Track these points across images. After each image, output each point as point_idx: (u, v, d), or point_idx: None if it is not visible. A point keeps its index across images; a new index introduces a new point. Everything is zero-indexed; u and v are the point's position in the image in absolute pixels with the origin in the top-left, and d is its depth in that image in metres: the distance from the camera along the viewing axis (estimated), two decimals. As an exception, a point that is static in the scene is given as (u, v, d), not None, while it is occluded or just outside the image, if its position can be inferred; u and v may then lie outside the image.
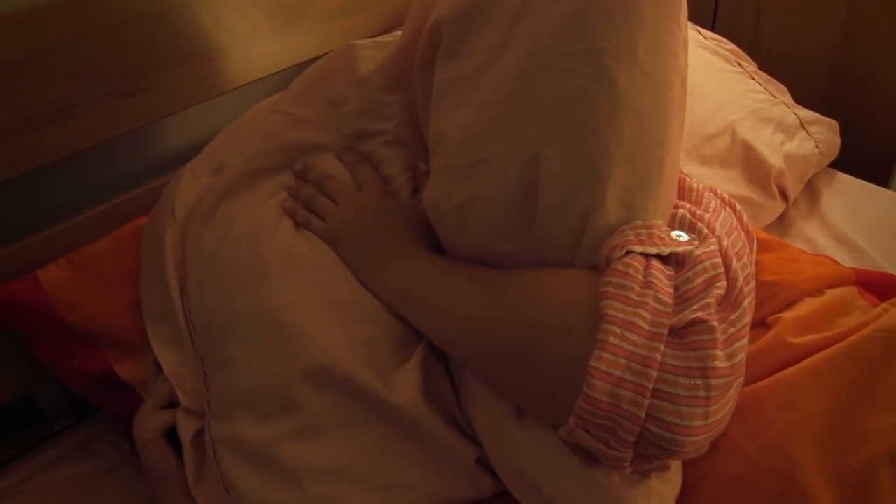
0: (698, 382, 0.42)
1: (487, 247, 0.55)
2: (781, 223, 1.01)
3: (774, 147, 0.99)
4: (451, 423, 0.60)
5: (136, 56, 0.75)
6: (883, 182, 1.07)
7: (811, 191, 1.06)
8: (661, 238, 0.48)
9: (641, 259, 0.46)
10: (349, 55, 0.73)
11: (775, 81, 1.10)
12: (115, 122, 0.77)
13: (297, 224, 0.69)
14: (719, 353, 0.43)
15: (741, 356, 0.45)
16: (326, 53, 0.76)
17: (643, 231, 0.48)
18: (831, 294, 0.65)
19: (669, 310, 0.44)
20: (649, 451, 0.45)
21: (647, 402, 0.42)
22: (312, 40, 0.91)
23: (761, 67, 1.11)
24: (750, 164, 0.97)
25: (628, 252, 0.46)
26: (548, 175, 0.49)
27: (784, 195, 0.99)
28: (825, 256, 0.74)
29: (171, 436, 0.68)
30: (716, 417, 0.43)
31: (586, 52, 0.48)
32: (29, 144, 0.71)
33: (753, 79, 1.08)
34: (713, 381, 0.42)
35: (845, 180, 1.08)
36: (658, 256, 0.47)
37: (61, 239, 0.78)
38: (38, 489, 0.79)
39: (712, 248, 0.48)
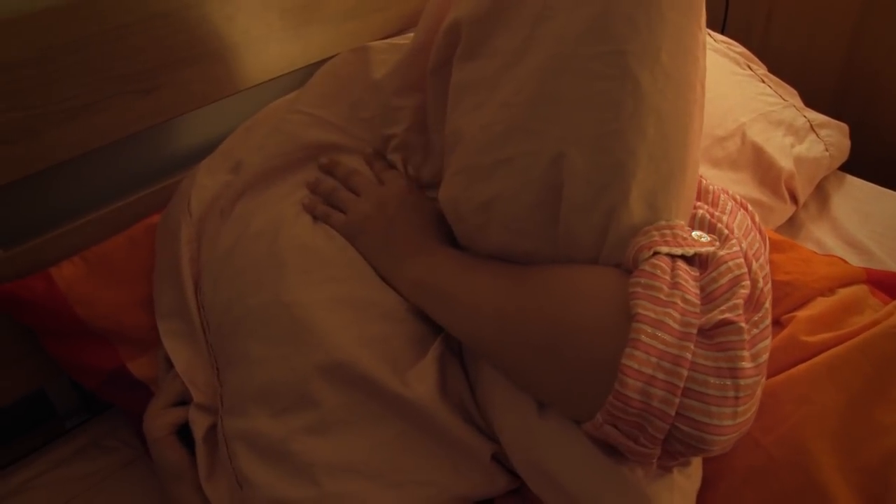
0: (728, 383, 0.43)
1: (509, 245, 0.55)
2: (791, 226, 1.01)
3: (784, 150, 0.99)
4: (466, 420, 0.60)
5: (148, 55, 0.75)
6: (892, 185, 1.07)
7: (821, 193, 1.06)
8: (684, 239, 0.48)
9: (668, 260, 0.46)
10: (364, 58, 0.73)
11: (785, 84, 1.10)
12: (128, 121, 0.77)
13: (314, 220, 0.69)
14: (747, 353, 0.43)
15: (764, 357, 0.45)
16: (338, 54, 0.77)
17: (667, 232, 0.48)
18: (843, 293, 0.65)
19: (697, 310, 0.44)
20: (677, 448, 0.45)
21: (677, 400, 0.43)
22: (325, 41, 0.91)
23: (771, 70, 1.11)
24: (760, 166, 0.97)
25: (655, 253, 0.46)
26: (572, 175, 0.49)
27: (794, 198, 0.99)
28: (836, 257, 0.75)
29: (182, 432, 0.68)
30: (744, 417, 0.44)
31: (610, 55, 0.48)
32: (42, 143, 0.71)
33: (764, 82, 1.08)
34: (742, 382, 0.43)
35: (855, 183, 1.08)
36: (682, 257, 0.47)
37: (74, 237, 0.78)
38: (49, 486, 0.79)
39: (735, 248, 0.48)
